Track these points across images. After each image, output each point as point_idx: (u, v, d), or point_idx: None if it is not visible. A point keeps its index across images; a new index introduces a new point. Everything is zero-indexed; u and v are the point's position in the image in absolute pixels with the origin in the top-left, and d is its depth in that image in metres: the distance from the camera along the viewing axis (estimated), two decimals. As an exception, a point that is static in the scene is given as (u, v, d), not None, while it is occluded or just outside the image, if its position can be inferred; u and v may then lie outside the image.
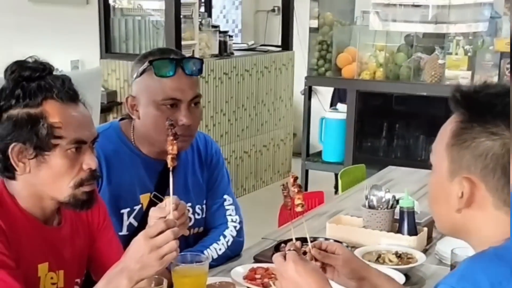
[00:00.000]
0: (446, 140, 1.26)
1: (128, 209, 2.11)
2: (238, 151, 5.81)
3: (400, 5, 4.91)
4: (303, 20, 6.27)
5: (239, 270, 2.01)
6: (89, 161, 1.61)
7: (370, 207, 2.36)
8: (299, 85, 6.16)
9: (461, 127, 1.24)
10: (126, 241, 1.92)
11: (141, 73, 2.06)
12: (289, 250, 1.49)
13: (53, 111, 1.56)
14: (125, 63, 5.27)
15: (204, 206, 2.26)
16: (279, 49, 6.36)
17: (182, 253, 1.71)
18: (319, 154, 5.50)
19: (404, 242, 2.25)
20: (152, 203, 2.04)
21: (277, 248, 2.16)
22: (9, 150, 1.56)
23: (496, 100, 1.21)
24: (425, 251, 2.27)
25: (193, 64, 2.06)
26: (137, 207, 2.12)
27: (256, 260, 2.18)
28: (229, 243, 2.21)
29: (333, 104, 5.70)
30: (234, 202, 2.31)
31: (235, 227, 2.26)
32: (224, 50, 5.67)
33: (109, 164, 2.08)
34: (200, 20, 5.46)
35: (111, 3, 5.59)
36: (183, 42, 5.10)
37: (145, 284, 1.59)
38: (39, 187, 1.61)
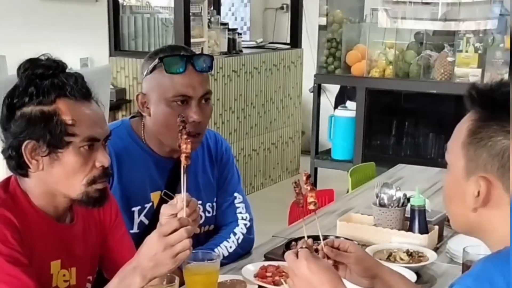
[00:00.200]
0: (462, 138, 1.25)
1: (139, 207, 2.11)
2: (247, 149, 5.81)
3: (410, 2, 4.89)
4: (312, 18, 6.27)
5: (250, 268, 2.01)
6: (102, 159, 1.61)
7: (381, 205, 2.35)
8: (308, 83, 6.15)
9: (477, 125, 1.23)
10: (137, 239, 1.92)
11: (152, 70, 2.05)
12: (302, 247, 1.49)
13: (66, 108, 1.57)
14: (134, 61, 5.28)
15: (214, 204, 2.26)
16: (288, 46, 6.35)
17: (194, 251, 1.70)
18: (328, 152, 5.49)
19: (415, 241, 2.24)
20: (162, 201, 2.05)
21: (288, 246, 2.16)
22: (23, 147, 1.56)
23: None
24: (436, 249, 2.26)
25: (204, 61, 2.06)
26: (147, 205, 2.12)
27: (267, 258, 2.17)
28: (240, 241, 2.21)
29: (337, 104, 5.68)
30: (244, 200, 2.31)
31: (245, 224, 2.25)
32: (233, 48, 5.67)
33: (120, 162, 2.08)
34: (209, 17, 5.45)
35: (120, 1, 5.59)
36: (192, 40, 5.10)
37: (157, 282, 1.59)
38: (52, 185, 1.61)
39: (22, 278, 1.51)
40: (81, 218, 1.74)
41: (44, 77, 1.58)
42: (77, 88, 1.59)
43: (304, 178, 1.57)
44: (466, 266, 1.92)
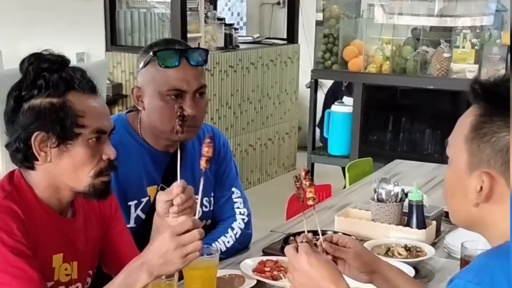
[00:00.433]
0: (465, 133, 1.24)
1: (135, 202, 2.11)
2: (243, 144, 5.80)
3: (406, -2, 4.90)
4: (309, 13, 6.26)
5: (249, 263, 2.01)
6: (109, 151, 1.63)
7: (379, 200, 2.35)
8: (304, 79, 6.14)
9: (481, 120, 1.23)
10: (133, 233, 1.93)
11: (146, 64, 2.05)
12: (302, 242, 1.48)
13: (76, 100, 1.58)
14: (131, 56, 5.27)
15: (211, 198, 2.25)
16: (285, 42, 6.35)
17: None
18: (324, 147, 5.49)
19: (413, 236, 2.24)
20: (159, 196, 2.04)
21: (286, 241, 2.16)
22: (32, 139, 1.57)
23: None
24: (433, 244, 2.26)
25: (198, 55, 2.05)
26: (144, 200, 2.11)
27: (265, 253, 2.17)
28: (237, 236, 2.21)
29: (326, 104, 5.65)
30: (242, 194, 2.30)
31: (243, 219, 2.25)
32: (229, 43, 5.66)
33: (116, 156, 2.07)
34: (205, 12, 5.44)
35: (116, -4, 5.58)
36: (188, 35, 5.09)
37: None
38: (58, 177, 1.62)
39: (27, 270, 1.52)
40: (82, 213, 1.75)
41: (51, 71, 1.59)
42: (85, 81, 1.62)
43: (303, 173, 1.57)
44: (464, 261, 1.92)
